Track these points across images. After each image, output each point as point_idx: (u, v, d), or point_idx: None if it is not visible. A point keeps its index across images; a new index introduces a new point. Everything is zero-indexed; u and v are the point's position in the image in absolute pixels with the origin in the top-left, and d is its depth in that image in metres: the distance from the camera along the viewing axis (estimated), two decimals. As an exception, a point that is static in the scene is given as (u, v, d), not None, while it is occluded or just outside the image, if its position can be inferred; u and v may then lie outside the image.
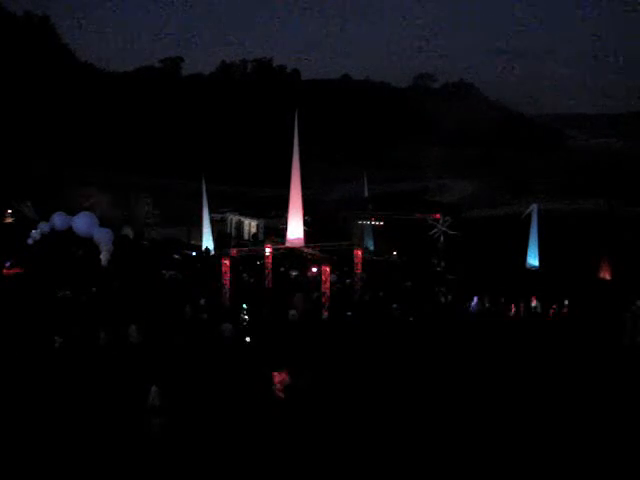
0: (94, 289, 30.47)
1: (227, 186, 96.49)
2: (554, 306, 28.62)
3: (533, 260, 49.10)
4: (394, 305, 28.70)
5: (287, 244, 36.22)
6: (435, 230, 60.31)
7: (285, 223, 39.25)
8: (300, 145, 35.20)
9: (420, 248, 56.12)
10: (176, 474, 12.76)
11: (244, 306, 25.88)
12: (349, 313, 27.68)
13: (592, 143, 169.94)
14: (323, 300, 28.64)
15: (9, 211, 59.90)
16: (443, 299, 33.34)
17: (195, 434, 14.21)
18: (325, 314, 28.15)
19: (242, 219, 70.76)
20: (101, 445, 13.48)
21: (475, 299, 30.03)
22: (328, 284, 29.18)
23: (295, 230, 35.66)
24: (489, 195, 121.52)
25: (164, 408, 14.42)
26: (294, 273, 40.11)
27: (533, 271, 47.79)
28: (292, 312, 26.22)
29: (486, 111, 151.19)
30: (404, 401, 16.86)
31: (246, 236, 68.43)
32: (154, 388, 14.53)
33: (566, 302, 31.54)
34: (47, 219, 45.33)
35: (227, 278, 30.22)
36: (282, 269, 40.05)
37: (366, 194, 68.54)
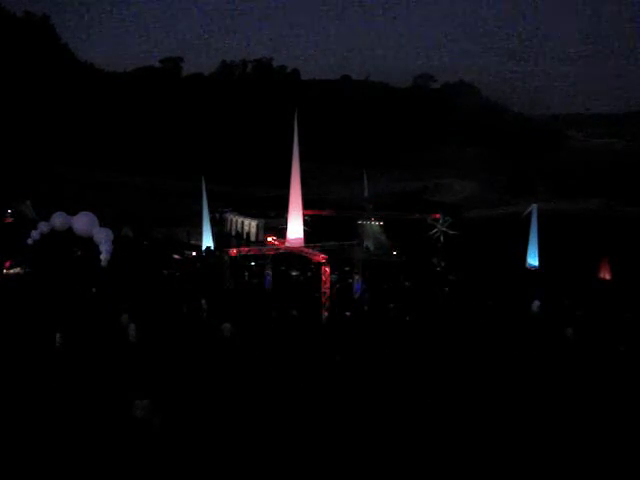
0: (94, 289, 30.48)
1: (227, 186, 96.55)
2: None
3: (533, 260, 49.11)
4: (391, 305, 28.72)
5: (287, 244, 36.17)
6: (435, 230, 60.34)
7: (285, 223, 39.24)
8: (300, 145, 35.18)
9: (420, 248, 56.09)
10: (171, 474, 12.76)
11: None
12: (348, 313, 27.68)
13: (592, 143, 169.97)
14: (323, 300, 28.61)
15: (9, 211, 59.94)
16: (441, 294, 33.47)
17: (192, 435, 14.20)
18: (325, 314, 28.12)
19: (242, 219, 70.82)
20: (96, 444, 13.48)
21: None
22: (328, 284, 29.15)
23: (295, 230, 35.63)
24: (489, 195, 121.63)
25: (154, 414, 14.35)
26: (294, 273, 40.17)
27: (533, 271, 47.80)
28: (293, 312, 26.24)
29: (486, 111, 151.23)
30: (403, 401, 16.86)
31: (245, 236, 68.50)
32: (138, 401, 14.40)
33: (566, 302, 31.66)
34: (47, 219, 45.33)
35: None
36: (282, 268, 40.09)
37: (366, 194, 68.59)
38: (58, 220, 44.01)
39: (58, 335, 20.27)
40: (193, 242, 57.38)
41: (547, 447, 14.29)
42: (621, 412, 16.31)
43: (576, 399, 17.22)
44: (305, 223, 39.33)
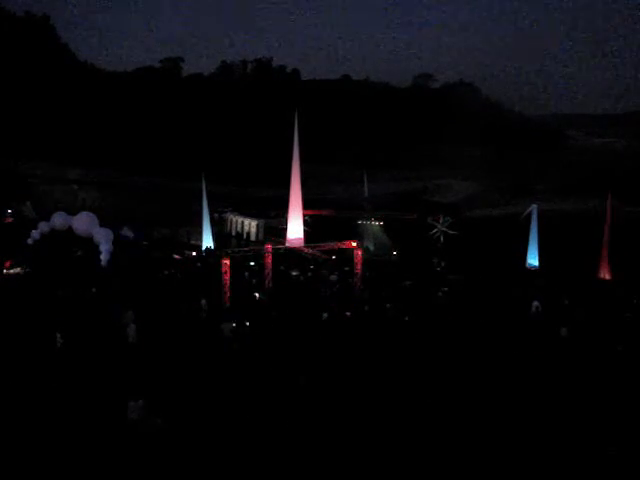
0: (94, 289, 30.48)
1: (227, 186, 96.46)
2: None
3: (533, 260, 49.11)
4: (387, 305, 28.76)
5: (287, 244, 36.20)
6: (435, 230, 60.35)
7: (285, 223, 39.26)
8: (300, 145, 35.20)
9: (420, 248, 56.08)
10: (170, 475, 12.76)
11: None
12: (348, 313, 27.68)
13: (592, 143, 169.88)
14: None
15: (9, 211, 59.93)
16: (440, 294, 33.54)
17: (191, 435, 14.21)
18: (325, 314, 28.10)
19: (242, 219, 70.78)
20: (94, 444, 13.49)
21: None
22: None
23: (295, 230, 35.67)
24: (489, 195, 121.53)
25: (149, 415, 14.36)
26: (294, 273, 40.14)
27: (533, 271, 47.79)
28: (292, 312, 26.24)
29: (486, 111, 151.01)
30: (402, 401, 16.87)
31: (245, 236, 68.53)
32: (132, 402, 14.39)
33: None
34: (47, 219, 45.33)
35: (227, 278, 30.17)
36: (282, 268, 40.05)
37: (366, 194, 68.58)
38: (58, 220, 44.03)
39: (58, 335, 20.29)
40: (193, 242, 57.37)
41: (543, 445, 14.30)
42: (616, 411, 16.33)
43: (571, 399, 17.24)
44: (305, 223, 39.38)
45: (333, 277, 37.46)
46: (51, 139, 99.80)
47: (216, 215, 67.55)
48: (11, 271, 35.40)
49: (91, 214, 43.84)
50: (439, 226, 59.70)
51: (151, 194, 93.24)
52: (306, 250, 35.67)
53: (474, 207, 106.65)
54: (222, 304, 29.07)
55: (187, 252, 50.26)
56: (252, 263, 41.54)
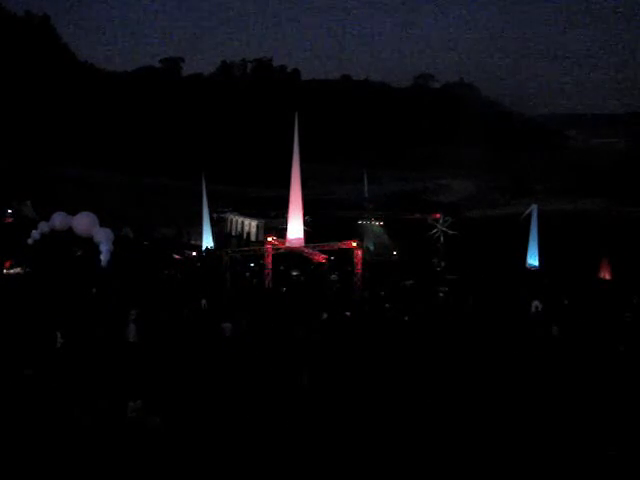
0: (94, 289, 30.47)
1: (227, 186, 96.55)
2: None
3: (533, 260, 49.14)
4: (386, 305, 28.78)
5: (287, 244, 36.16)
6: (435, 230, 60.40)
7: (285, 223, 39.25)
8: (300, 145, 35.22)
9: (420, 248, 56.12)
10: (169, 475, 12.76)
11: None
12: (347, 313, 27.68)
13: (592, 143, 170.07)
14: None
15: (9, 211, 59.95)
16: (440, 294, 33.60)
17: (191, 435, 14.21)
18: (324, 314, 28.12)
19: (242, 219, 70.87)
20: (94, 445, 13.49)
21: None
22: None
23: (295, 230, 35.65)
24: (489, 195, 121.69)
25: (148, 415, 14.36)
26: (294, 273, 40.17)
27: (533, 271, 47.82)
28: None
29: (486, 111, 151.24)
30: (403, 401, 16.88)
31: (245, 236, 68.64)
32: (131, 403, 14.39)
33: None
34: (47, 219, 45.31)
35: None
36: (282, 268, 40.09)
37: (366, 194, 68.72)
38: (58, 220, 43.99)
39: (58, 335, 20.28)
40: (193, 242, 57.45)
41: (543, 445, 14.30)
42: (616, 412, 16.32)
43: (571, 399, 17.24)
44: (305, 223, 39.38)
45: (333, 277, 37.49)
46: (51, 139, 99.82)
47: (215, 215, 67.63)
48: (11, 271, 35.39)
49: (91, 214, 43.80)
50: (439, 226, 59.76)
51: (151, 194, 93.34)
52: (306, 250, 35.62)
53: (474, 207, 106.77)
54: (222, 304, 29.09)
55: (187, 252, 50.29)
56: (252, 264, 41.58)
